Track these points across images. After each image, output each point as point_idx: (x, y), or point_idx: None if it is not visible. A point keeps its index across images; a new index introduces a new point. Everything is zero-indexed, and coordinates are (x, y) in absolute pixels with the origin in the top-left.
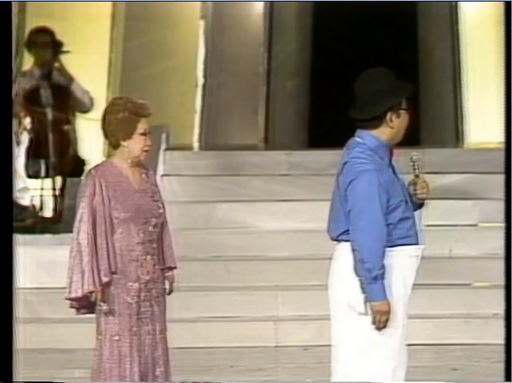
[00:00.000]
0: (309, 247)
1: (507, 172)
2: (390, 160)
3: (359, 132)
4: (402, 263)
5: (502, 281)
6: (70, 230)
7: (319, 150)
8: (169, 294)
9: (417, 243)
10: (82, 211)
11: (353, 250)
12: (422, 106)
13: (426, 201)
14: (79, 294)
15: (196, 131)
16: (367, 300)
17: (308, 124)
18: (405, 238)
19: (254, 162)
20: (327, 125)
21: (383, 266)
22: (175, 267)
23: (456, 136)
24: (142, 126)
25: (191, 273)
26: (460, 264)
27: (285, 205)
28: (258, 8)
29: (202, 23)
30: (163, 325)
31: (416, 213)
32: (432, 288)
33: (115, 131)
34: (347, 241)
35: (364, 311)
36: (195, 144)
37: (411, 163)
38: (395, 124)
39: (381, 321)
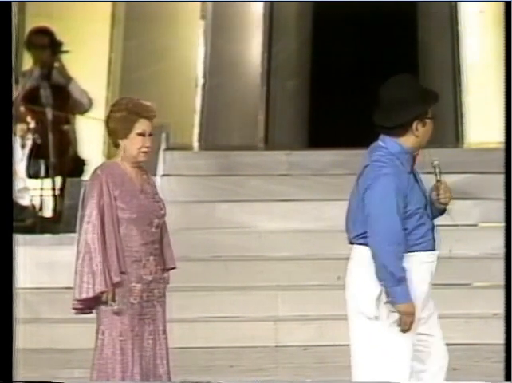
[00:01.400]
0: (309, 247)
1: (507, 172)
2: (412, 167)
3: (382, 136)
4: (414, 269)
5: (501, 281)
6: (70, 231)
7: (319, 150)
8: None
9: (432, 249)
10: (90, 212)
11: (373, 255)
12: None
13: (448, 205)
14: (90, 294)
15: (196, 131)
16: (378, 304)
17: (308, 124)
18: (419, 244)
19: (254, 162)
20: (327, 125)
21: (404, 269)
22: (174, 268)
23: (456, 136)
24: (140, 127)
25: (191, 273)
26: (460, 264)
27: (285, 205)
28: (258, 8)
29: (201, 23)
30: (164, 325)
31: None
32: (432, 288)
33: (113, 129)
34: (362, 244)
35: (373, 316)
36: (195, 144)
37: (433, 169)
38: (420, 133)
39: (407, 323)
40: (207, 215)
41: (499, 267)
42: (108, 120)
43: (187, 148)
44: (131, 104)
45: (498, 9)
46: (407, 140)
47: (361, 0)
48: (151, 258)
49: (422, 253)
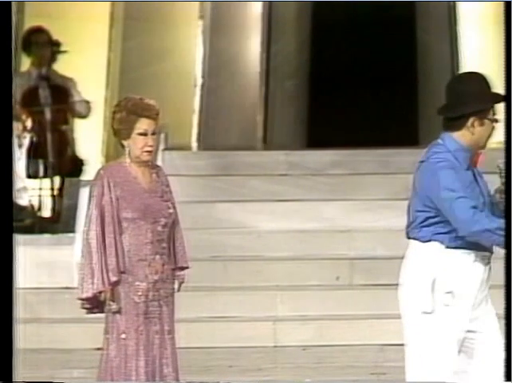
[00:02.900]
0: (308, 247)
1: (507, 172)
2: (470, 165)
3: (442, 133)
4: (463, 265)
5: (501, 281)
6: (69, 231)
7: (318, 150)
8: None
9: (485, 250)
10: (91, 212)
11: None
12: (420, 106)
13: None
14: (89, 293)
15: (195, 131)
16: (432, 296)
17: (306, 124)
18: (469, 242)
19: (253, 162)
20: (326, 125)
21: (489, 219)
22: (186, 267)
23: None
24: (141, 126)
25: (190, 273)
26: None
27: (284, 205)
28: (257, 8)
29: (200, 23)
30: (171, 325)
31: None
32: None
33: (116, 130)
34: (415, 239)
35: (429, 310)
36: (194, 144)
37: (498, 171)
38: (476, 131)
39: None
40: (206, 215)
41: (499, 267)
42: (111, 121)
43: (185, 148)
44: (131, 103)
45: (498, 9)
46: (464, 137)
47: (360, 0)
48: (158, 257)
49: (473, 251)
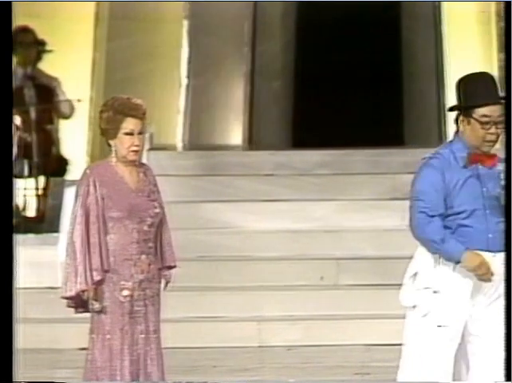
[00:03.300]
0: (294, 247)
1: (507, 172)
2: (469, 163)
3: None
4: (445, 262)
5: None
6: (54, 230)
7: (303, 150)
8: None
9: (478, 248)
10: (76, 211)
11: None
12: (406, 106)
13: None
14: (73, 292)
15: (180, 131)
16: (413, 290)
17: (292, 124)
18: (466, 242)
19: (239, 162)
20: (311, 125)
21: (441, 230)
22: (174, 266)
23: (439, 137)
24: (127, 126)
25: (176, 273)
26: None
27: (271, 205)
28: (242, 8)
29: (186, 23)
30: (157, 324)
31: None
32: None
33: (103, 130)
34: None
35: (409, 304)
36: (179, 144)
37: (498, 175)
38: (466, 129)
39: (480, 275)
40: (193, 215)
41: None
42: (99, 121)
43: (171, 148)
44: (118, 103)
45: (483, 8)
46: (463, 134)
47: (345, 0)
48: (144, 256)
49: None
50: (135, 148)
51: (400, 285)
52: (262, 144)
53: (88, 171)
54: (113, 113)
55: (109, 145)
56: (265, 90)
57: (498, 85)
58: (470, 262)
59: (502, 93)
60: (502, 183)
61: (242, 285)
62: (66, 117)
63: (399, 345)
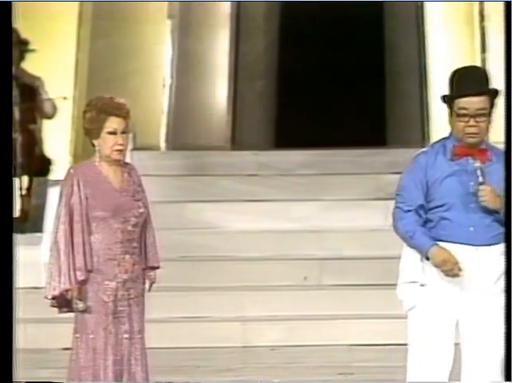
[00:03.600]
0: (277, 248)
1: (507, 172)
2: (455, 156)
3: None
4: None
5: None
6: (37, 230)
7: (287, 150)
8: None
9: (458, 241)
10: (60, 210)
11: None
12: (388, 107)
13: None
14: (56, 292)
15: (163, 131)
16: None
17: (275, 124)
18: (446, 235)
19: (223, 162)
20: (294, 125)
21: (411, 227)
22: (157, 267)
23: (422, 137)
24: (110, 125)
25: (159, 273)
26: None
27: (254, 205)
28: (225, 8)
29: (169, 23)
30: (141, 325)
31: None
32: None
33: (86, 130)
34: None
35: (399, 296)
36: (163, 144)
37: (475, 170)
38: (450, 122)
39: (446, 271)
40: (176, 215)
41: None
42: (82, 121)
43: (154, 148)
44: (100, 103)
45: (466, 9)
46: (451, 127)
47: (328, 0)
48: (128, 256)
49: (448, 244)
50: (118, 147)
51: (384, 285)
52: (246, 144)
53: (71, 171)
54: (96, 113)
55: (93, 145)
56: (249, 90)
57: (485, 79)
58: (435, 257)
59: (486, 87)
60: (480, 179)
61: (226, 285)
62: (49, 117)
63: (382, 345)
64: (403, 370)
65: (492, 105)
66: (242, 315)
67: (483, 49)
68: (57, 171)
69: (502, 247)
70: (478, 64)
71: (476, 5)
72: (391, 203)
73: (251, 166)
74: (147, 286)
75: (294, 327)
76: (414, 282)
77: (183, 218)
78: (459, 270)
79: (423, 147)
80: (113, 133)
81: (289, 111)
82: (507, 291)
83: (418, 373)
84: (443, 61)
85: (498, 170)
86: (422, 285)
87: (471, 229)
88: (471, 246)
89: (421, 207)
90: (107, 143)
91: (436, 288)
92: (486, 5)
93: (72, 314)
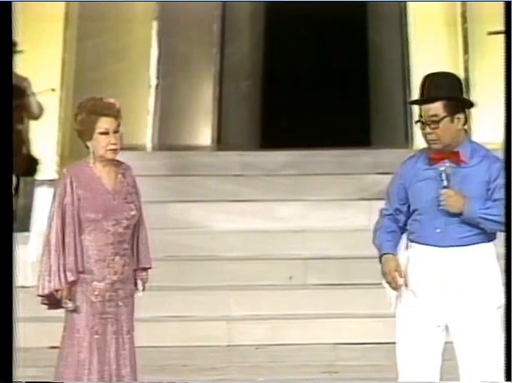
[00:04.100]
0: (263, 247)
1: (507, 172)
2: (430, 161)
3: None
4: (412, 260)
5: None
6: (24, 230)
7: (271, 151)
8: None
9: (428, 243)
10: (53, 210)
11: None
12: (372, 108)
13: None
14: (45, 291)
15: (149, 131)
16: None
17: (260, 124)
18: (417, 237)
19: (208, 162)
20: (279, 126)
21: (379, 234)
22: (149, 268)
23: (405, 138)
24: (102, 125)
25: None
26: None
27: (239, 205)
28: (211, 9)
29: (155, 24)
30: (130, 325)
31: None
32: (382, 287)
33: (79, 132)
34: None
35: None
36: (149, 145)
37: (439, 175)
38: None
39: (386, 281)
40: (161, 215)
41: None
42: (74, 124)
43: (140, 148)
44: (90, 104)
45: (449, 10)
46: None
47: (312, 0)
48: (118, 257)
49: (419, 245)
50: (112, 147)
51: (368, 284)
52: (231, 145)
53: (65, 172)
54: (87, 114)
55: (87, 147)
56: (234, 91)
57: (446, 85)
58: (381, 266)
59: (440, 93)
60: (444, 183)
61: (211, 284)
62: (35, 118)
63: (366, 343)
64: (387, 368)
65: (455, 110)
66: (227, 314)
67: (466, 51)
68: (44, 171)
69: (476, 248)
70: (461, 65)
71: (458, 7)
72: (375, 203)
73: (236, 166)
74: (140, 286)
75: (279, 326)
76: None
77: (169, 218)
78: (397, 285)
79: (406, 147)
80: (105, 133)
81: (273, 112)
82: (507, 290)
83: (405, 372)
84: (426, 62)
85: (475, 172)
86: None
87: (438, 231)
88: (438, 248)
89: (397, 210)
90: (100, 143)
91: (416, 289)
92: (469, 7)
93: (60, 313)
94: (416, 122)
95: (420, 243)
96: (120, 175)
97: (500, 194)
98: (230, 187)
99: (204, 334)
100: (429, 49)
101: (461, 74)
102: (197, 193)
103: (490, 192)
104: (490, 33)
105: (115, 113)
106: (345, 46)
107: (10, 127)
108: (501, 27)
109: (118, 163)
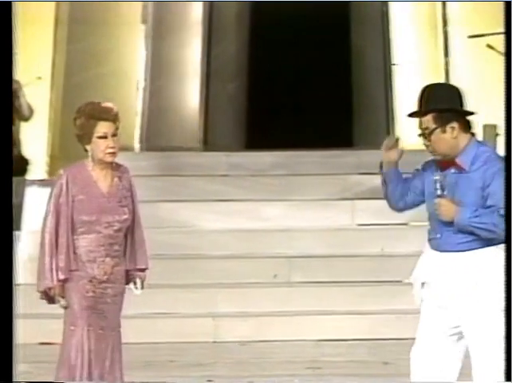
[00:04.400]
0: (249, 246)
1: (507, 171)
2: (436, 171)
3: None
4: (424, 257)
5: None
6: (15, 228)
7: (257, 151)
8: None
9: (433, 248)
10: (48, 210)
11: None
12: (355, 109)
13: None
14: (40, 288)
15: (138, 132)
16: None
17: (246, 126)
18: (428, 241)
19: (195, 163)
20: (265, 127)
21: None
22: (146, 268)
23: None
24: (100, 129)
25: None
26: (391, 261)
27: (226, 205)
28: (197, 13)
29: (143, 27)
30: (117, 322)
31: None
32: (365, 285)
33: (78, 136)
34: None
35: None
36: (137, 145)
37: (434, 184)
38: None
39: None
40: (149, 214)
41: None
42: (74, 129)
43: (129, 149)
44: (89, 108)
45: (429, 12)
46: None
47: (296, 0)
48: (108, 259)
49: (429, 249)
50: (110, 150)
51: (351, 282)
52: (217, 146)
53: (62, 173)
54: (85, 119)
55: (86, 150)
56: (220, 93)
57: (436, 97)
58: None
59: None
60: (438, 192)
61: (198, 282)
62: (26, 119)
63: (349, 340)
64: (370, 365)
65: (447, 121)
66: (214, 311)
67: (446, 53)
68: (35, 171)
69: (477, 253)
70: (442, 68)
71: (439, 10)
72: (358, 203)
73: (223, 167)
74: (138, 285)
75: (264, 323)
76: (420, 280)
77: (157, 217)
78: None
79: None
80: (104, 137)
81: (259, 113)
82: (507, 290)
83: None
84: (408, 64)
85: (473, 178)
86: (423, 283)
87: (438, 236)
88: (439, 252)
89: (413, 186)
90: (99, 147)
91: (429, 291)
92: (449, 10)
93: (50, 310)
94: (418, 135)
95: (429, 247)
96: (116, 179)
97: (493, 200)
98: (217, 187)
99: (191, 331)
100: (411, 52)
101: (442, 76)
102: (184, 193)
103: (484, 199)
104: (471, 37)
105: (113, 118)
106: (330, 50)
107: (10, 127)
108: (480, 31)
109: (116, 166)
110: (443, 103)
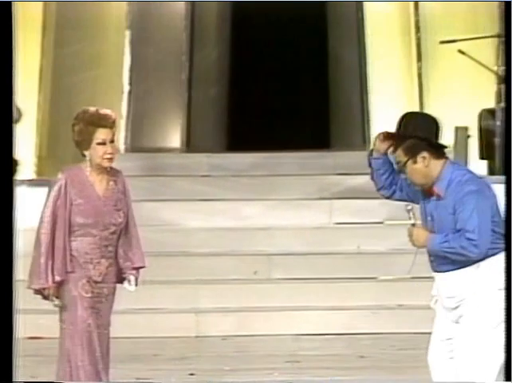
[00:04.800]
0: (230, 244)
1: (507, 172)
2: (424, 196)
3: None
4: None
5: (405, 274)
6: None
7: (237, 153)
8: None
9: (431, 268)
10: (45, 212)
11: None
12: (332, 111)
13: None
14: (35, 287)
15: (123, 134)
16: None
17: (227, 128)
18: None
19: (177, 164)
20: (245, 130)
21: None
22: (142, 267)
23: (363, 140)
24: (99, 136)
25: None
26: (367, 259)
27: (207, 204)
28: (180, 19)
29: (128, 33)
30: (108, 320)
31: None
32: (342, 281)
33: (76, 142)
34: None
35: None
36: (122, 147)
37: (407, 213)
38: None
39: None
40: (134, 213)
41: (403, 261)
42: (72, 134)
43: None
44: (87, 115)
45: (404, 15)
46: None
47: (276, 1)
48: (103, 260)
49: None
50: (108, 156)
51: (328, 279)
52: (199, 147)
53: (60, 175)
54: (84, 125)
55: (84, 155)
56: (202, 97)
57: (405, 129)
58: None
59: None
60: (412, 221)
61: (181, 279)
62: (14, 122)
63: (327, 334)
64: (346, 358)
65: (416, 151)
66: (196, 307)
67: (419, 58)
68: (23, 172)
69: (454, 275)
70: (415, 72)
71: (412, 17)
72: (335, 202)
73: (204, 167)
74: (132, 282)
75: (244, 318)
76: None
77: (141, 216)
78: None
79: (364, 150)
80: (102, 143)
81: (239, 116)
82: (507, 291)
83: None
84: (382, 69)
85: (446, 204)
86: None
87: (432, 258)
88: (434, 273)
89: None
90: (97, 153)
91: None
92: (422, 17)
93: (38, 305)
94: (397, 171)
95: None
96: (112, 183)
97: (461, 224)
98: (199, 187)
99: (174, 326)
100: (385, 57)
101: (415, 80)
102: (167, 193)
103: (455, 223)
104: (442, 42)
105: (111, 124)
106: (307, 53)
107: (11, 127)
108: (451, 37)
109: (111, 170)
110: (415, 132)
